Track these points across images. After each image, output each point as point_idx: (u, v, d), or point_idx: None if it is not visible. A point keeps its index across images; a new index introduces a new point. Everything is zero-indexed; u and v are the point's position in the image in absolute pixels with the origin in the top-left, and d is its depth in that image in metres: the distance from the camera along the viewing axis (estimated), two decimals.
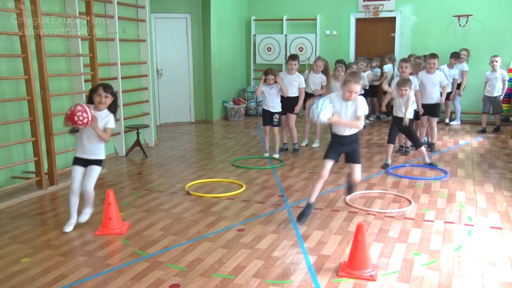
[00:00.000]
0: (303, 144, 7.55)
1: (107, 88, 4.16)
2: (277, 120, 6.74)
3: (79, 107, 3.95)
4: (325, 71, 7.29)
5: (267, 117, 6.78)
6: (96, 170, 4.24)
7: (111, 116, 4.21)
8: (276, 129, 6.78)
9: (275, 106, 6.70)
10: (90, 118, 3.97)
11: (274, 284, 3.20)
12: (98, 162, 4.27)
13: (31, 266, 3.50)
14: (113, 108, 4.24)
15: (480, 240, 3.90)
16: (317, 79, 7.25)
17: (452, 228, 4.16)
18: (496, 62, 8.43)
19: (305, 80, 7.05)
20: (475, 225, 4.23)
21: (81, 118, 3.93)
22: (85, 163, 4.24)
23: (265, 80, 6.59)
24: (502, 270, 3.37)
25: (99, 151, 4.25)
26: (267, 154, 6.87)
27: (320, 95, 7.36)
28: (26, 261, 3.58)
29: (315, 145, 7.49)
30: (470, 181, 5.58)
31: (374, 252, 3.65)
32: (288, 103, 6.86)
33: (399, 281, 3.23)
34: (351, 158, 4.30)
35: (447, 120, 9.21)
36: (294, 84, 6.83)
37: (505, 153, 6.95)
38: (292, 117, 7.03)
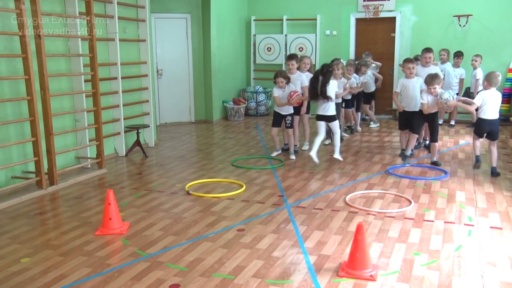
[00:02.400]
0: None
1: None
2: (290, 122, 6.75)
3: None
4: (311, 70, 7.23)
5: (277, 119, 6.77)
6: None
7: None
8: (290, 130, 6.79)
9: (286, 108, 6.68)
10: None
11: (274, 284, 3.20)
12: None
13: (31, 266, 3.50)
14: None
15: (480, 240, 3.90)
16: (305, 78, 7.03)
17: (452, 228, 4.16)
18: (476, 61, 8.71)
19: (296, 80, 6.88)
20: (475, 225, 4.23)
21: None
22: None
23: (275, 83, 6.58)
24: (502, 270, 3.37)
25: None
26: (275, 154, 6.88)
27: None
28: (26, 261, 3.58)
29: (305, 147, 7.36)
30: (470, 181, 5.58)
31: (374, 252, 3.65)
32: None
33: (399, 281, 3.23)
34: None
35: (452, 122, 9.17)
36: (296, 84, 6.78)
37: (505, 153, 6.95)
38: (296, 119, 7.01)
